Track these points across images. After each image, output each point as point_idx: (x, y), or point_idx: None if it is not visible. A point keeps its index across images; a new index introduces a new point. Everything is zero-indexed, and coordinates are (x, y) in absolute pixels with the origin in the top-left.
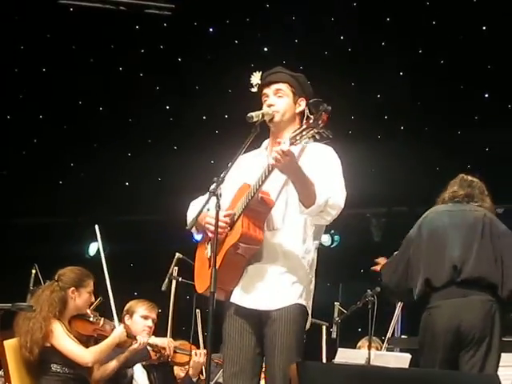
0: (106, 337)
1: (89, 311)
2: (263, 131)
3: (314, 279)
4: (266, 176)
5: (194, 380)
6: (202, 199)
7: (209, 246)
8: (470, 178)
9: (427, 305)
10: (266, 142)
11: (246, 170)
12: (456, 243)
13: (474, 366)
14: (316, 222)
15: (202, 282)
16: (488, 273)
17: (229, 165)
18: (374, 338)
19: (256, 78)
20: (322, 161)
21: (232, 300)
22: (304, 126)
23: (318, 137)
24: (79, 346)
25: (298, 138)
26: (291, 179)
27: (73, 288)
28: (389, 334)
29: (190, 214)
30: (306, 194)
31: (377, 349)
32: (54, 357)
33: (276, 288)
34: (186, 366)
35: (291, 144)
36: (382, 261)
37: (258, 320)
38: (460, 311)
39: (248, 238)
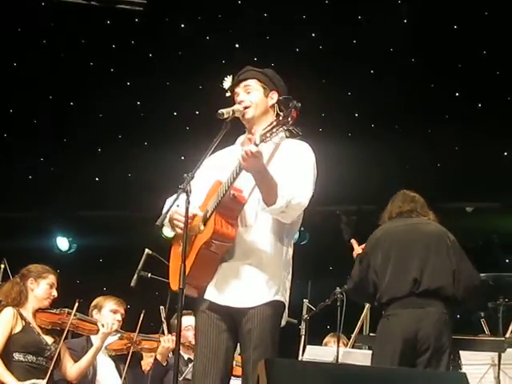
0: (74, 326)
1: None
2: (237, 127)
3: (290, 275)
4: (238, 173)
5: (164, 364)
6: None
7: (182, 244)
8: (411, 193)
9: (386, 312)
10: (240, 138)
11: (220, 167)
12: (415, 256)
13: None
14: (278, 218)
15: (175, 280)
16: (444, 285)
17: (199, 161)
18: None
19: (228, 81)
20: (293, 158)
21: (206, 297)
22: (274, 123)
23: (288, 134)
24: (1, 339)
25: (268, 135)
26: (254, 178)
27: (31, 279)
28: (356, 332)
29: (164, 211)
30: (268, 194)
31: (344, 345)
32: (15, 345)
33: (250, 285)
34: (154, 353)
35: (261, 141)
36: (356, 247)
37: (231, 317)
38: (417, 321)
39: (220, 235)
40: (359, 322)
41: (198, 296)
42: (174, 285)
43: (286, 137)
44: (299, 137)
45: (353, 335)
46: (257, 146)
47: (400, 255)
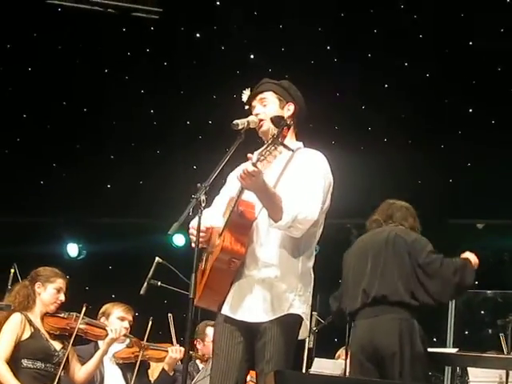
0: (82, 331)
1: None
2: (251, 139)
3: (310, 287)
4: (241, 190)
5: (171, 374)
6: (207, 211)
7: (204, 257)
8: (393, 201)
9: (352, 323)
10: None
11: (237, 182)
12: (365, 267)
13: (389, 378)
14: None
15: (198, 293)
16: (392, 291)
17: (213, 171)
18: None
19: (246, 95)
20: (304, 168)
21: (223, 312)
22: (269, 141)
23: (278, 153)
24: (6, 348)
25: (264, 152)
26: (256, 196)
27: (39, 283)
28: None
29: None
30: (273, 211)
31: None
32: (23, 352)
33: (264, 300)
34: (161, 362)
35: (258, 160)
36: None
37: (247, 330)
38: (371, 330)
39: (229, 252)
40: None
41: (218, 310)
42: (196, 300)
43: (304, 146)
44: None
45: None
46: (254, 164)
47: (355, 268)
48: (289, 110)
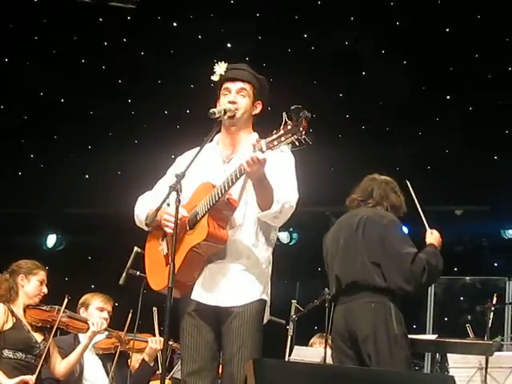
0: (64, 324)
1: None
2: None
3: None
4: (238, 178)
5: (152, 365)
6: (149, 195)
7: (164, 243)
8: (373, 176)
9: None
10: (217, 137)
11: (200, 166)
12: (337, 253)
13: (366, 362)
14: (269, 222)
15: (158, 280)
16: (364, 276)
17: (190, 162)
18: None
19: (221, 68)
20: (279, 162)
21: (193, 297)
22: (281, 132)
23: (297, 143)
24: None
25: (275, 143)
26: (254, 184)
27: (22, 275)
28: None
29: (140, 209)
30: (264, 199)
31: (329, 346)
32: (5, 342)
33: (239, 284)
34: (142, 353)
35: (268, 149)
36: None
37: (216, 317)
38: (345, 315)
39: (214, 238)
40: None
41: (181, 296)
42: (156, 284)
43: (293, 145)
44: (305, 146)
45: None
46: (263, 152)
47: (330, 252)
48: (256, 107)
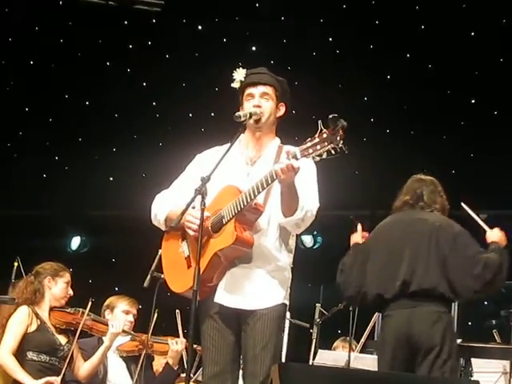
0: (88, 327)
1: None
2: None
3: None
4: (268, 184)
5: (175, 368)
6: (166, 193)
7: (184, 245)
8: (420, 177)
9: (383, 311)
10: (240, 139)
11: (223, 167)
12: (405, 255)
13: (422, 372)
14: (289, 229)
15: (180, 282)
16: (435, 284)
17: (215, 165)
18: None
19: (240, 74)
20: (302, 170)
21: (215, 300)
22: (317, 140)
23: (333, 152)
24: (14, 340)
25: (310, 150)
26: (284, 190)
27: (49, 277)
28: (365, 337)
29: (159, 209)
30: (290, 206)
31: (352, 350)
32: (29, 344)
33: (263, 288)
34: (166, 356)
35: (303, 156)
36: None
37: (238, 320)
38: (409, 321)
39: (241, 242)
40: (368, 327)
41: (201, 299)
42: (179, 287)
43: (328, 154)
44: (339, 155)
45: (361, 340)
46: (297, 160)
47: (392, 253)
48: (279, 110)
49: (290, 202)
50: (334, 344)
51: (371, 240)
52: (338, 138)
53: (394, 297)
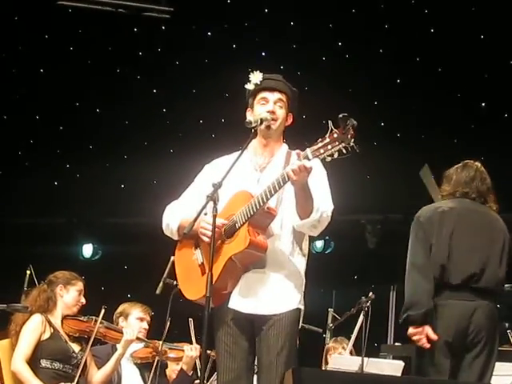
0: (101, 334)
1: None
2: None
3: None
4: (281, 186)
5: (190, 374)
6: (177, 204)
7: (198, 252)
8: (483, 169)
9: (438, 300)
10: (250, 145)
11: (232, 173)
12: (479, 250)
13: (475, 369)
14: (306, 232)
15: (194, 289)
16: (497, 280)
17: (226, 172)
18: (342, 338)
19: (256, 77)
20: (314, 173)
21: (230, 306)
22: (328, 140)
23: (344, 151)
24: (28, 348)
25: (322, 151)
26: (297, 192)
27: (61, 285)
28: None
29: (170, 219)
30: (305, 208)
31: (343, 348)
32: (42, 352)
33: (278, 293)
34: (180, 362)
35: (315, 157)
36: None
37: (253, 326)
38: (469, 313)
39: (255, 246)
40: (355, 330)
41: (216, 305)
42: (193, 294)
43: (339, 154)
44: (350, 154)
45: (352, 339)
46: (309, 160)
47: (464, 242)
48: (288, 119)
49: (304, 204)
50: (327, 346)
51: (436, 222)
52: (349, 137)
53: (458, 285)
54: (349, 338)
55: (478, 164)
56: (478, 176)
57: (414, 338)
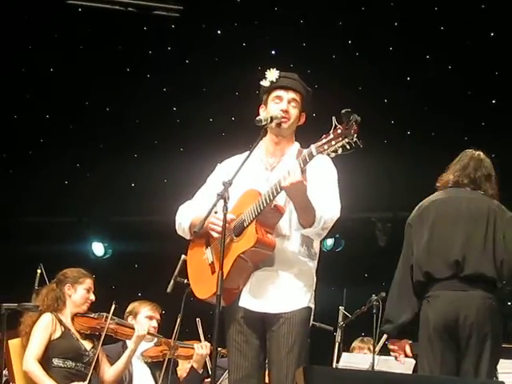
0: (112, 331)
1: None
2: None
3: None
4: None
5: (201, 372)
6: (189, 205)
7: (208, 251)
8: (480, 156)
9: (425, 293)
10: (260, 144)
11: (243, 172)
12: (459, 237)
13: (468, 361)
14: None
15: (204, 288)
16: (488, 270)
17: (237, 170)
18: (369, 338)
19: (272, 74)
20: (321, 173)
21: (240, 304)
22: (332, 136)
23: (348, 147)
24: (39, 347)
25: (326, 147)
26: (295, 206)
27: (68, 284)
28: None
29: (183, 218)
30: (306, 219)
31: (369, 349)
32: (54, 351)
33: (288, 291)
34: (191, 360)
35: (319, 153)
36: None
37: (263, 324)
38: (459, 304)
39: (262, 244)
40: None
41: (226, 304)
42: (204, 293)
43: (343, 149)
44: (354, 150)
45: (381, 342)
46: (313, 156)
47: (443, 232)
48: (301, 119)
49: (304, 215)
50: (353, 344)
51: (416, 217)
52: (352, 132)
53: (445, 277)
54: (360, 337)
55: (477, 152)
56: (471, 164)
57: (392, 353)
